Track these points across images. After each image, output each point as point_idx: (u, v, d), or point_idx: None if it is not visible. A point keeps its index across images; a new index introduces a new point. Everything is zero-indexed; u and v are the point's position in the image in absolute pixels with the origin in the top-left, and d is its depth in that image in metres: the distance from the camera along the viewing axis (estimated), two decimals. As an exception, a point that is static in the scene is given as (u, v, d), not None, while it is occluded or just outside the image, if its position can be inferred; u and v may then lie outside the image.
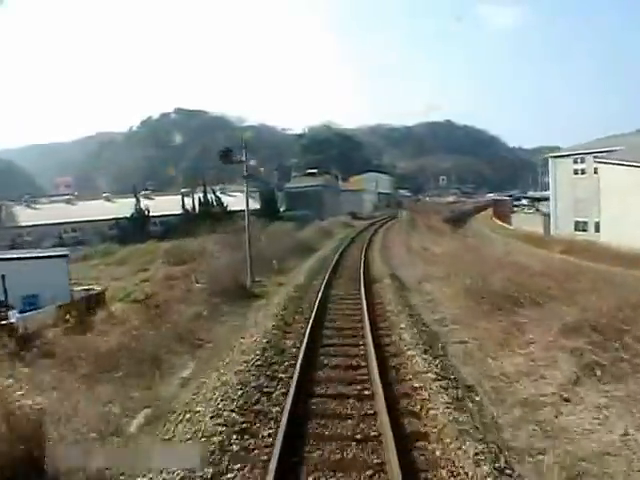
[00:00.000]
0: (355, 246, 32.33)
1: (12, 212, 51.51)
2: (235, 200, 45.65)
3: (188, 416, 7.23)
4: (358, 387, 8.15)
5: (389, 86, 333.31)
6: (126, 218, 48.62)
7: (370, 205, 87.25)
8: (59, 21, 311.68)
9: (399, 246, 31.05)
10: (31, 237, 45.29)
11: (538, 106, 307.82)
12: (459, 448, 5.96)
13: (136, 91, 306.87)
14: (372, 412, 7.18)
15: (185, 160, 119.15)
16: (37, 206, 54.60)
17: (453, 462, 5.75)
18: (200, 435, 6.50)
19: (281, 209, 59.84)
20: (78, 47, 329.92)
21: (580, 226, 36.00)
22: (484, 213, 72.44)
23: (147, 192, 58.89)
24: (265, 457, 5.93)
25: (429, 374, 8.47)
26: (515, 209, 56.04)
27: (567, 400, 7.37)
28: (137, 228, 46.73)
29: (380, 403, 7.16)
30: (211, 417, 6.98)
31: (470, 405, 7.37)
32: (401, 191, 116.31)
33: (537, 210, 48.47)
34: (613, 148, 33.14)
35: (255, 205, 51.27)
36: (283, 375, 8.81)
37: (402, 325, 11.77)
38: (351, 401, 7.61)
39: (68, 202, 56.59)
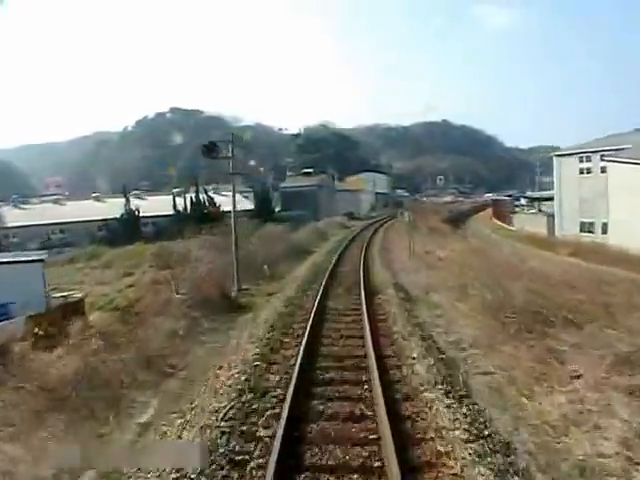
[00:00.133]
0: (355, 245, 30.87)
1: (-1, 213, 49.84)
2: (228, 200, 44.24)
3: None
4: (364, 453, 6.12)
5: (386, 86, 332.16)
6: (115, 219, 47.10)
7: (367, 205, 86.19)
8: (55, 21, 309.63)
9: (400, 249, 29.66)
10: (18, 238, 43.67)
11: (535, 106, 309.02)
12: None
13: (132, 90, 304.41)
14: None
15: (181, 160, 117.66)
16: (25, 206, 52.63)
17: None
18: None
19: (276, 209, 58.70)
20: (74, 47, 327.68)
21: (586, 227, 34.76)
22: (483, 213, 71.37)
23: (138, 192, 57.31)
24: None
25: (456, 431, 6.56)
26: (516, 209, 54.98)
27: (638, 464, 5.69)
28: (127, 229, 45.17)
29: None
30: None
31: (516, 480, 5.53)
32: (398, 191, 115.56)
33: (540, 210, 47.28)
34: (621, 147, 31.96)
35: (250, 205, 50.18)
36: (263, 433, 6.80)
37: (414, 354, 9.95)
38: (354, 477, 5.60)
39: (56, 202, 54.84)
